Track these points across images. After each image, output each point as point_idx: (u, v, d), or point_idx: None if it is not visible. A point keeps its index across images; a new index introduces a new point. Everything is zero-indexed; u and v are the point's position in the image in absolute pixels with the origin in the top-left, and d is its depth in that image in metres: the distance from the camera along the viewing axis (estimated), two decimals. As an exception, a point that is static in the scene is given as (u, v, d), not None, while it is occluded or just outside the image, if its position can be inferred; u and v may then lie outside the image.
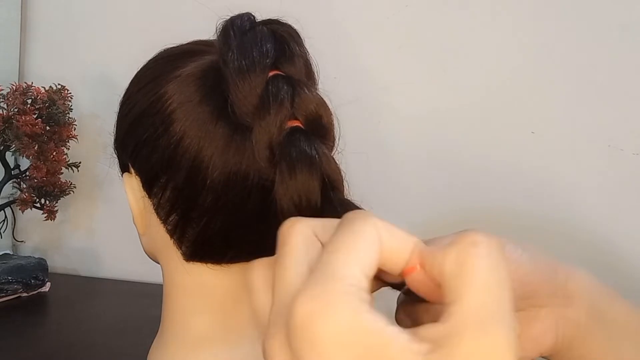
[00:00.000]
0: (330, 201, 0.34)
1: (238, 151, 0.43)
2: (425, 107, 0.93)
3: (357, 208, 0.34)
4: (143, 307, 0.88)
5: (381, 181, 0.94)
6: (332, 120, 0.39)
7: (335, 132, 0.40)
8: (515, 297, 0.28)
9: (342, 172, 0.37)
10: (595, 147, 0.86)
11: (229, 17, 0.44)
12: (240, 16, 0.43)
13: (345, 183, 0.37)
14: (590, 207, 0.86)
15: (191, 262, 0.48)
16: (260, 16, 0.44)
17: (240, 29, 0.42)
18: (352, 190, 0.39)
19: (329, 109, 0.39)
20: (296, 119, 0.37)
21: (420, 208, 0.93)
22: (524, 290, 0.37)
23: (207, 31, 0.49)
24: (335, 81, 0.98)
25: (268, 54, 0.39)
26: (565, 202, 0.87)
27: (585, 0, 0.85)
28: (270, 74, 0.39)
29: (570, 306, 0.38)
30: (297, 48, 0.42)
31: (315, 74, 0.45)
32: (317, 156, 0.35)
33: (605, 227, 0.85)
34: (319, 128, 0.38)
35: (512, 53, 0.89)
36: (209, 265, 0.48)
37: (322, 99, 0.39)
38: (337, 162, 0.37)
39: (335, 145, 0.40)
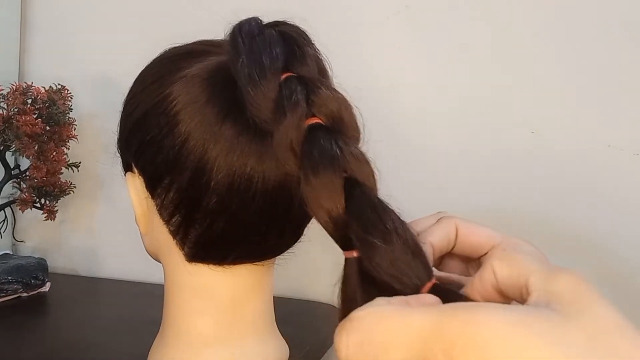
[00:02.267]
0: (357, 199, 0.33)
1: (243, 153, 0.43)
2: (424, 107, 0.93)
3: (387, 207, 0.33)
4: (143, 307, 0.88)
5: (380, 180, 0.94)
6: (353, 113, 0.38)
7: (359, 124, 0.38)
8: None
9: (372, 164, 0.35)
10: (595, 147, 0.86)
11: (236, 23, 0.43)
12: (248, 21, 0.42)
13: (376, 174, 0.35)
14: (590, 207, 0.86)
15: (193, 263, 0.48)
16: (261, 16, 0.44)
17: (248, 35, 0.41)
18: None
19: (348, 102, 0.38)
20: (315, 116, 0.36)
21: (419, 207, 0.93)
22: None
23: (209, 31, 0.49)
24: (335, 81, 0.98)
25: (278, 57, 0.39)
26: (565, 202, 0.87)
27: (586, 0, 0.86)
28: (283, 76, 0.38)
29: None
30: (308, 48, 0.41)
31: (329, 70, 0.45)
32: (338, 152, 0.34)
33: (606, 227, 0.85)
34: (340, 122, 0.37)
35: (512, 53, 0.89)
36: (211, 266, 0.48)
37: (339, 93, 0.38)
38: (366, 155, 0.35)
39: (362, 137, 0.39)
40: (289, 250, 0.50)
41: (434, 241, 0.36)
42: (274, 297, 0.55)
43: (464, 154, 0.91)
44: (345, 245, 0.34)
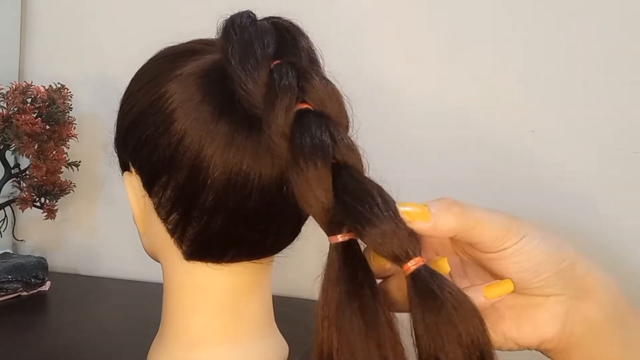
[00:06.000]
0: (345, 179, 0.34)
1: (239, 150, 0.43)
2: (424, 107, 0.93)
3: (377, 185, 0.34)
4: (143, 306, 0.88)
5: (381, 179, 0.94)
6: (343, 101, 0.39)
7: (347, 111, 0.39)
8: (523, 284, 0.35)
9: (359, 150, 0.36)
10: (595, 147, 0.86)
11: (229, 16, 0.43)
12: (240, 14, 0.43)
13: (364, 161, 0.36)
14: (591, 206, 0.86)
15: (191, 262, 0.48)
16: (261, 15, 0.44)
17: (240, 26, 0.41)
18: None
19: (338, 91, 0.38)
20: (305, 102, 0.37)
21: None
22: (533, 280, 0.37)
23: (208, 31, 0.49)
24: (335, 81, 0.98)
25: (269, 45, 0.39)
26: (565, 202, 0.87)
27: (585, 1, 0.86)
28: (274, 63, 0.38)
29: (586, 300, 0.38)
30: (299, 38, 0.42)
31: (320, 60, 0.45)
32: (329, 139, 0.35)
33: (606, 226, 0.85)
34: (329, 109, 0.37)
35: (512, 52, 0.89)
36: (209, 264, 0.48)
37: (330, 82, 0.38)
38: (354, 141, 0.36)
39: (350, 123, 0.39)
40: (287, 248, 0.50)
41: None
42: (272, 295, 0.55)
43: (462, 153, 0.91)
44: (331, 230, 0.34)
